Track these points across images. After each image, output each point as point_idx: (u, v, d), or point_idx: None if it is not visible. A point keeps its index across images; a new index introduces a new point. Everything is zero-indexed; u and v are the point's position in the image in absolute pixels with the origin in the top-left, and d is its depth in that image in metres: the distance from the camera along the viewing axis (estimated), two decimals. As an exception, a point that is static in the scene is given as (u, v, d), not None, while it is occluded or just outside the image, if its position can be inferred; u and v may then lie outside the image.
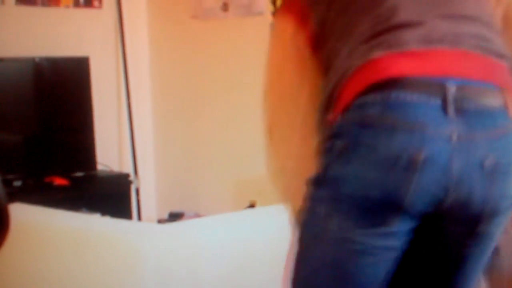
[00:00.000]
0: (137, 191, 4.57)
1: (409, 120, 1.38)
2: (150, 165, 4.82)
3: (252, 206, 3.98)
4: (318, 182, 1.50)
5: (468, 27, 1.49)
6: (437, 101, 1.39)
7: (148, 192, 4.76)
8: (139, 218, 4.59)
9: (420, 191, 1.40)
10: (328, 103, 1.51)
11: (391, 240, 1.46)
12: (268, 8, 4.04)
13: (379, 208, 1.42)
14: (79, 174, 4.26)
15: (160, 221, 4.51)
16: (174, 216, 4.49)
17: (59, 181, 4.10)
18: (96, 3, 4.57)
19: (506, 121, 1.46)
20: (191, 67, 4.61)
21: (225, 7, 4.36)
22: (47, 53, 4.31)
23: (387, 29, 1.46)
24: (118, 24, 4.62)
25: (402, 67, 1.41)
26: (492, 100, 1.44)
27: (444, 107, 1.39)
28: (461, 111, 1.41)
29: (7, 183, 3.77)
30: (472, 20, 1.51)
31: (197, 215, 4.27)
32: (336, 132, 1.46)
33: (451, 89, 1.40)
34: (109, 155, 4.58)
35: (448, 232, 1.50)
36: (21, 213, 2.61)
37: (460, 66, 1.44)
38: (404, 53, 1.43)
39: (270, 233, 2.46)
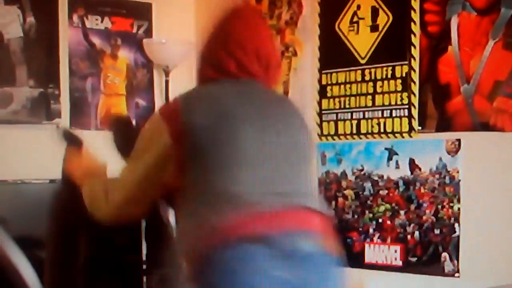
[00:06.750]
0: None
1: (246, 265, 1.99)
2: None
3: None
4: None
5: (295, 199, 2.13)
6: (265, 250, 1.99)
7: None
8: None
9: None
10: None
11: None
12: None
13: None
14: None
15: None
16: None
17: None
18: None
19: (318, 256, 2.06)
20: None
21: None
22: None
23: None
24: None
25: (250, 228, 2.02)
26: (307, 242, 2.06)
27: (271, 253, 1.99)
28: (283, 253, 2.00)
29: None
30: (300, 195, 2.16)
31: None
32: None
33: (276, 239, 2.01)
34: None
35: None
36: None
37: (283, 221, 2.06)
38: (250, 215, 2.04)
39: None
